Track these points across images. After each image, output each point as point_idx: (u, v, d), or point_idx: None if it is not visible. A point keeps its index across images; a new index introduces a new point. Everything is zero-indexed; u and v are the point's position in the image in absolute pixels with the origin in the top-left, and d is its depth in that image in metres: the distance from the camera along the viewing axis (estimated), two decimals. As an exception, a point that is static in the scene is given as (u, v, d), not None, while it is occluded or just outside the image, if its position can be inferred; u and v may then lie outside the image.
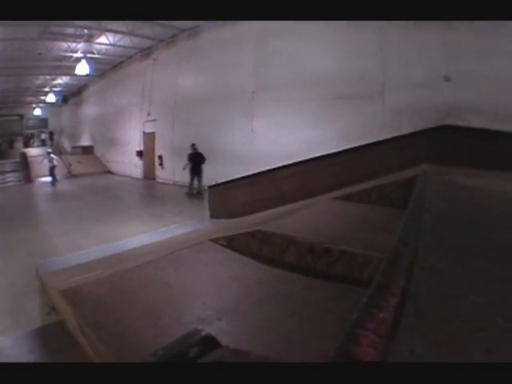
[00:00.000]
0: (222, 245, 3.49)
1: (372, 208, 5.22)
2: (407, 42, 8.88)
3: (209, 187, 9.43)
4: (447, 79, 8.68)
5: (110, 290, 2.41)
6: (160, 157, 16.36)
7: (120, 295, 2.35)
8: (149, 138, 17.19)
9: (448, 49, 8.82)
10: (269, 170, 8.33)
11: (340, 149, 7.74)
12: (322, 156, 7.85)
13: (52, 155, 18.13)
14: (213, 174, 10.95)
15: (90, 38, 15.54)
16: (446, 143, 7.55)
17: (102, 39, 15.78)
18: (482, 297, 0.98)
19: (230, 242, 3.51)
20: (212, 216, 8.85)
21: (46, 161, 18.18)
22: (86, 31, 14.69)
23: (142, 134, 17.76)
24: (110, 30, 14.58)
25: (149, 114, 17.00)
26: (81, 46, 16.09)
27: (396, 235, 1.84)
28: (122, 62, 19.24)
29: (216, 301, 2.38)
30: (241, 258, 3.17)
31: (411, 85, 8.59)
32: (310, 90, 9.56)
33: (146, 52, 17.31)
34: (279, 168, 8.21)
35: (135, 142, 17.98)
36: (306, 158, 7.93)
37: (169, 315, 2.04)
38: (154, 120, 16.69)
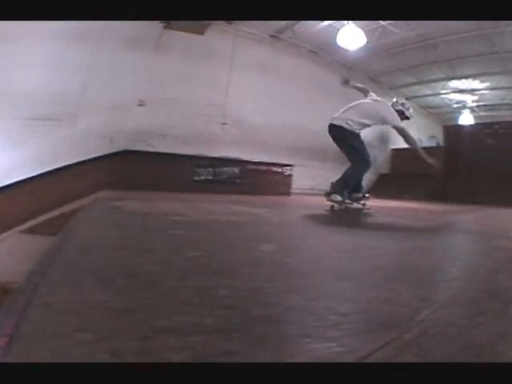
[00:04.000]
0: None
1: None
2: (116, 64, 9.17)
3: None
4: (141, 104, 9.38)
5: None
6: None
7: None
8: None
9: (150, 73, 9.56)
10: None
11: (30, 175, 7.74)
12: (14, 183, 7.70)
13: None
14: None
15: None
16: (128, 168, 8.12)
17: None
18: (90, 333, 0.96)
19: None
20: None
21: None
22: None
23: None
24: None
25: None
26: None
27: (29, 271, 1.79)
28: None
29: None
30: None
31: (106, 108, 8.93)
32: (8, 108, 9.15)
33: None
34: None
35: None
36: (-1, 185, 7.74)
37: None
38: None
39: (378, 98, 5.72)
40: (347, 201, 5.44)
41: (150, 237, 2.59)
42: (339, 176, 5.51)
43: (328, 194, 5.37)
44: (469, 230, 4.57)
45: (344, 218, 5.01)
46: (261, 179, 9.22)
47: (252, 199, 7.26)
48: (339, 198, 5.29)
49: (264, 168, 9.43)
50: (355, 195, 5.69)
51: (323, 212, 5.41)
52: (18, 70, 8.90)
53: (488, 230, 4.52)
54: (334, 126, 5.54)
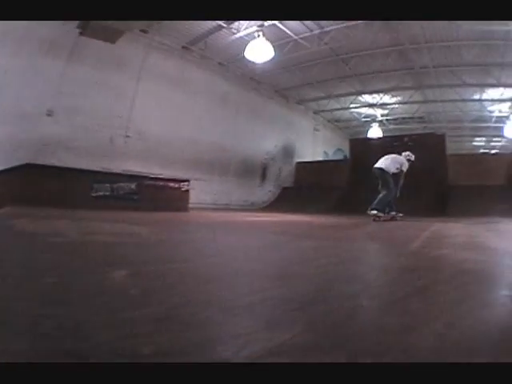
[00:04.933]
0: None
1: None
2: (30, 70, 8.94)
3: None
4: (49, 113, 9.24)
5: None
6: None
7: None
8: None
9: (61, 81, 9.43)
10: None
11: None
12: None
13: None
14: None
15: None
16: (32, 182, 7.87)
17: None
18: None
19: None
20: None
21: None
22: None
23: None
24: None
25: None
26: None
27: None
28: None
29: None
30: None
31: (18, 116, 8.72)
32: None
33: None
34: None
35: None
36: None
37: None
38: None
39: (397, 156, 8.68)
40: (380, 214, 7.94)
41: (17, 261, 2.61)
42: (376, 199, 8.07)
43: (369, 210, 7.92)
44: (361, 248, 4.22)
45: (221, 238, 4.77)
46: (158, 195, 9.19)
47: (145, 216, 7.24)
48: (374, 212, 7.86)
49: (161, 184, 9.41)
50: (391, 213, 8.41)
51: (208, 229, 5.76)
52: None
53: (385, 244, 4.47)
54: (377, 167, 8.36)
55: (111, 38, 9.56)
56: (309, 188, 14.26)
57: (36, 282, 1.90)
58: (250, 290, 1.93)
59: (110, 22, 8.53)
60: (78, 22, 9.13)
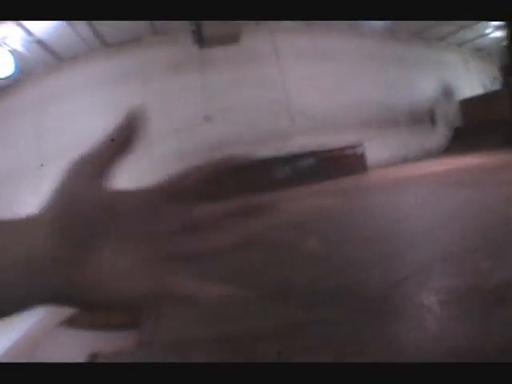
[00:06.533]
0: None
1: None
2: (168, 88, 9.75)
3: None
4: (207, 119, 9.86)
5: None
6: None
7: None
8: None
9: (208, 89, 10.04)
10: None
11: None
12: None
13: None
14: None
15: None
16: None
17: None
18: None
19: None
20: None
21: None
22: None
23: None
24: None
25: None
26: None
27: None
28: None
29: None
30: None
31: (174, 131, 9.44)
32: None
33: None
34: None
35: None
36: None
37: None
38: None
39: None
40: None
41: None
42: None
43: None
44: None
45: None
46: (336, 164, 9.58)
47: (326, 187, 7.81)
48: None
49: (337, 153, 9.79)
50: None
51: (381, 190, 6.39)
52: (85, 120, 9.59)
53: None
54: None
55: (233, 38, 9.40)
56: (477, 125, 13.12)
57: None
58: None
59: (221, 27, 8.50)
60: (191, 37, 9.45)
